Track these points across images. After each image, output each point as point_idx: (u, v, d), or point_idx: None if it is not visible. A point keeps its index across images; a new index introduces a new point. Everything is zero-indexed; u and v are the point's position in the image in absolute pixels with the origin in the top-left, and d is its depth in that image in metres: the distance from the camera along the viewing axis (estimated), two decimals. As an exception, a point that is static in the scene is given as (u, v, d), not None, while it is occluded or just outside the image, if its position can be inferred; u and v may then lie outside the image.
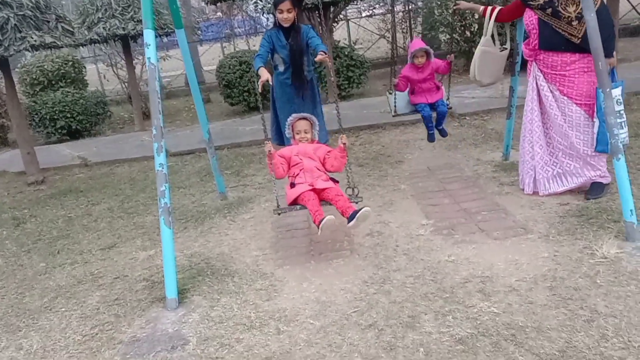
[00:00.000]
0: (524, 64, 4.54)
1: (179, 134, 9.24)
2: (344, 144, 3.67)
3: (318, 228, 3.44)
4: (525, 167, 4.33)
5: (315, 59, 4.10)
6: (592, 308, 2.73)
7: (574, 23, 3.86)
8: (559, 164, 4.17)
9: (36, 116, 10.29)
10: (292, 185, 3.69)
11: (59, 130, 10.36)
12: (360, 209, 3.42)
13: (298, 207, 3.64)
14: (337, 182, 3.80)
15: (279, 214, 3.77)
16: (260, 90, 3.95)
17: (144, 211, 5.40)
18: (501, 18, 4.52)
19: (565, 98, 4.01)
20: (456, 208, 4.30)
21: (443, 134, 5.23)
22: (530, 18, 4.07)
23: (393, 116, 5.16)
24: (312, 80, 4.78)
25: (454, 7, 5.06)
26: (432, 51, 4.89)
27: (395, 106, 5.09)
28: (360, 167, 5.74)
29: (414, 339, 2.69)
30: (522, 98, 7.24)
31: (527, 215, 3.94)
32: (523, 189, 4.36)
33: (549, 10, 3.93)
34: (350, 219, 3.45)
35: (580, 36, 3.85)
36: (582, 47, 3.83)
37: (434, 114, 5.04)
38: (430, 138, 5.21)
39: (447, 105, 5.03)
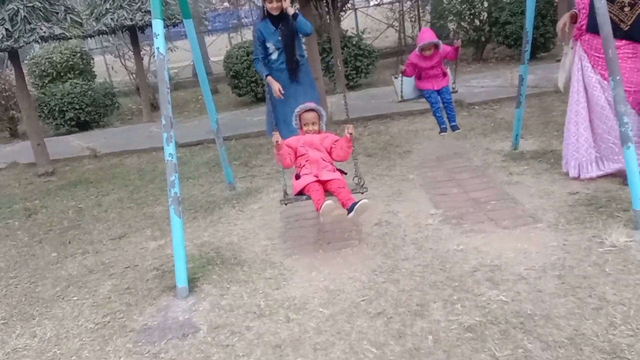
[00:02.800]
0: (533, 52, 4.49)
1: (187, 125, 9.26)
2: (351, 134, 3.65)
3: (318, 214, 3.52)
4: (569, 149, 4.25)
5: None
6: (601, 296, 2.73)
7: (626, 9, 3.80)
8: (596, 147, 4.12)
9: (45, 108, 10.37)
10: (298, 176, 3.72)
11: (68, 122, 10.44)
12: (359, 201, 3.42)
13: (304, 197, 3.66)
14: (345, 173, 3.82)
15: (286, 204, 3.81)
16: (280, 94, 4.75)
17: (153, 201, 5.44)
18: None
19: (606, 82, 3.94)
20: (465, 197, 4.29)
21: (455, 129, 5.12)
22: None
23: (399, 101, 5.30)
24: (305, 62, 5.03)
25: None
26: (440, 43, 4.89)
27: (402, 91, 5.18)
28: (369, 157, 5.74)
29: (422, 327, 2.71)
30: (531, 87, 7.21)
31: (537, 204, 3.93)
32: (567, 173, 4.29)
33: None
34: (349, 210, 3.46)
35: (630, 23, 3.79)
36: (630, 35, 3.78)
37: (442, 104, 5.10)
38: (442, 130, 5.17)
39: (454, 90, 5.13)
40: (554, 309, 2.69)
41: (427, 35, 4.91)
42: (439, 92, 5.04)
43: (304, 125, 3.94)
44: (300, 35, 4.88)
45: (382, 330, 2.73)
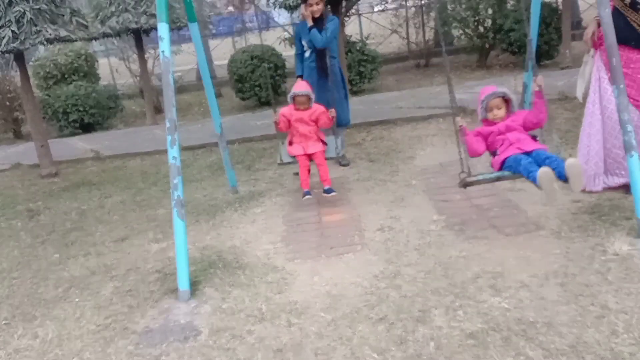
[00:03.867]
0: (537, 59, 4.46)
1: (191, 128, 9.29)
2: (333, 117, 4.69)
3: (302, 193, 4.56)
4: (580, 160, 4.13)
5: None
6: (603, 304, 2.73)
7: None
8: (605, 161, 4.08)
9: (49, 109, 10.39)
10: (291, 143, 4.75)
11: (72, 124, 10.46)
12: (332, 191, 4.62)
13: (295, 161, 4.66)
14: (325, 143, 4.78)
15: (282, 164, 4.82)
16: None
17: (156, 204, 5.45)
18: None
19: None
20: (468, 204, 4.29)
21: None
22: None
23: (465, 183, 3.57)
24: (335, 65, 5.43)
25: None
26: (510, 95, 3.66)
27: (469, 166, 3.56)
28: (372, 163, 5.75)
29: (424, 333, 2.71)
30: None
31: (539, 211, 3.93)
32: None
33: (628, 1, 3.75)
34: (324, 191, 4.63)
35: None
36: None
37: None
38: (535, 178, 3.20)
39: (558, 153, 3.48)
40: (556, 316, 2.69)
41: (489, 88, 3.71)
42: (531, 155, 3.39)
43: (297, 104, 4.72)
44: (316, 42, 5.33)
45: (384, 336, 2.73)
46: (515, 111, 3.66)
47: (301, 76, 5.47)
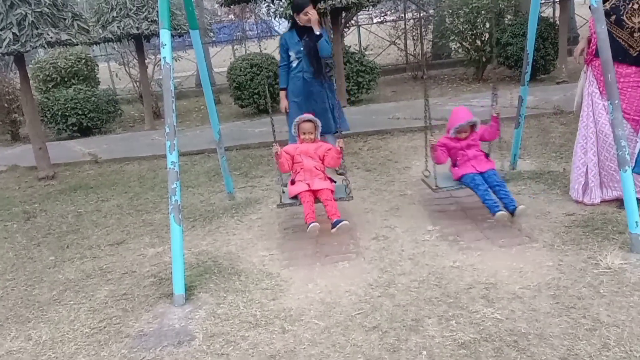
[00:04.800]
0: (534, 74, 4.54)
1: (189, 134, 9.32)
2: (341, 147, 4.14)
3: (307, 226, 3.86)
4: (575, 173, 4.27)
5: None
6: (595, 317, 2.76)
7: (636, 35, 3.84)
8: (600, 174, 4.16)
9: (48, 112, 10.41)
10: (293, 182, 4.18)
11: (70, 127, 10.48)
12: (342, 220, 3.84)
13: (297, 202, 4.08)
14: (334, 182, 4.27)
15: (282, 207, 4.22)
16: (285, 112, 5.17)
17: (152, 209, 5.46)
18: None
19: None
20: (462, 215, 4.33)
21: (514, 212, 3.81)
22: (593, 22, 4.02)
23: (434, 190, 4.20)
24: (325, 74, 5.30)
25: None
26: (478, 122, 4.21)
27: (435, 179, 4.17)
28: (368, 172, 5.79)
29: (417, 342, 2.72)
30: (530, 108, 7.27)
31: (533, 224, 3.97)
32: (572, 196, 4.30)
33: (613, 18, 3.88)
34: (333, 225, 3.86)
35: (639, 49, 3.83)
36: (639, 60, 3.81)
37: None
38: (494, 210, 3.83)
39: (503, 176, 4.15)
40: (548, 328, 2.72)
41: (463, 115, 4.16)
42: (483, 175, 4.05)
43: (302, 133, 4.32)
44: (320, 56, 5.21)
45: (377, 344, 2.75)
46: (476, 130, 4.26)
47: (285, 88, 5.33)
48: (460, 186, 4.19)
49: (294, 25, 5.29)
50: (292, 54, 5.27)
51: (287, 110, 5.33)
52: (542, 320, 2.79)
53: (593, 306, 2.86)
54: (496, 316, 2.87)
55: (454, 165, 4.29)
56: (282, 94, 5.35)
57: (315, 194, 4.06)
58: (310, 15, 5.05)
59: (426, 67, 5.23)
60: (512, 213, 3.80)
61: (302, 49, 5.22)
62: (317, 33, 5.08)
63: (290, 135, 5.30)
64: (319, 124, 4.38)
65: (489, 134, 4.24)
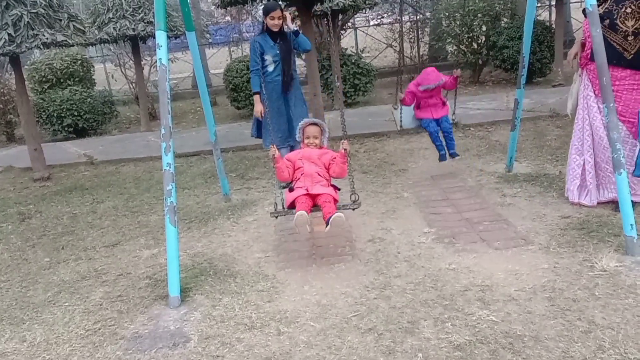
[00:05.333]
0: (530, 77, 4.57)
1: (185, 135, 9.30)
2: (345, 149, 3.76)
3: (294, 216, 3.51)
4: (571, 174, 4.29)
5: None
6: (590, 319, 2.76)
7: (630, 38, 3.86)
8: (597, 175, 4.18)
9: (44, 113, 10.39)
10: (291, 189, 3.77)
11: (66, 128, 10.45)
12: (334, 214, 3.47)
13: (294, 211, 3.58)
14: (339, 189, 3.88)
15: (276, 217, 3.85)
16: (260, 116, 5.04)
17: (148, 210, 5.45)
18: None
19: None
20: (458, 217, 4.33)
21: (454, 156, 5.25)
22: (587, 26, 4.04)
23: (399, 131, 5.46)
24: (296, 77, 5.42)
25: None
26: (443, 81, 5.06)
27: (401, 121, 5.27)
28: (364, 174, 5.79)
29: (412, 344, 2.72)
30: (526, 111, 7.30)
31: (529, 226, 3.98)
32: (567, 197, 4.32)
33: (607, 22, 3.91)
34: (327, 223, 3.51)
35: (633, 52, 3.85)
36: (634, 63, 3.84)
37: (440, 132, 5.22)
38: (442, 158, 5.30)
39: (453, 121, 5.26)
40: (543, 330, 2.72)
41: (433, 77, 5.07)
42: (437, 121, 5.14)
43: (306, 138, 4.04)
44: (300, 51, 5.35)
45: (373, 346, 2.75)
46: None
47: (259, 93, 5.05)
48: (420, 128, 5.27)
49: (266, 29, 5.16)
50: (268, 57, 5.14)
51: (262, 115, 5.08)
52: (537, 323, 2.79)
53: (588, 308, 2.86)
54: (492, 318, 2.87)
55: (417, 107, 5.22)
56: (257, 97, 5.10)
57: (313, 199, 3.64)
58: (275, 20, 5.05)
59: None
60: (452, 155, 5.16)
61: (278, 52, 5.14)
62: (294, 29, 5.19)
63: (253, 130, 5.51)
64: (326, 128, 4.15)
65: (450, 86, 5.11)
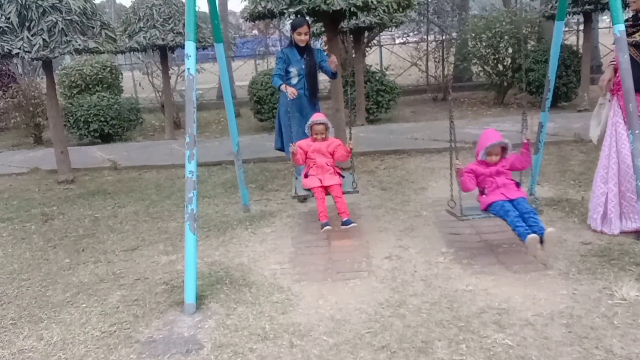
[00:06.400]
0: (555, 101, 4.52)
1: (207, 145, 9.41)
2: (351, 148, 4.65)
3: (321, 225, 4.37)
4: (594, 202, 4.23)
5: (328, 60, 5.37)
6: (608, 348, 2.71)
7: None
8: (621, 204, 4.11)
9: (71, 118, 10.61)
10: (306, 175, 4.66)
11: (92, 133, 10.66)
12: (351, 222, 4.38)
13: (310, 194, 4.60)
14: (343, 176, 4.73)
15: (296, 198, 4.76)
16: (292, 96, 5.08)
17: (168, 217, 5.51)
18: None
19: None
20: (477, 239, 4.30)
21: (543, 234, 3.59)
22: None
23: (460, 219, 3.98)
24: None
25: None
26: (509, 144, 4.01)
27: (461, 206, 3.92)
28: (384, 191, 5.78)
29: (425, 364, 2.70)
30: (550, 135, 7.22)
31: (549, 251, 3.92)
32: (590, 225, 4.27)
33: (633, 41, 3.87)
34: (343, 223, 4.39)
35: None
36: None
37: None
38: (524, 237, 3.60)
39: (535, 201, 3.97)
40: (560, 357, 2.68)
41: (493, 135, 3.97)
42: (513, 202, 3.84)
43: (314, 134, 4.73)
44: (326, 73, 5.58)
45: (385, 363, 2.73)
46: (507, 157, 4.06)
47: (282, 83, 5.24)
48: (488, 215, 3.92)
49: (294, 43, 5.42)
50: (292, 70, 5.41)
51: (295, 94, 5.17)
52: (553, 349, 2.75)
53: (606, 337, 2.81)
54: (507, 342, 2.83)
55: (482, 193, 4.03)
56: (284, 86, 5.21)
57: (326, 189, 4.55)
58: (304, 36, 5.28)
59: (447, 90, 5.30)
60: (541, 237, 3.54)
61: (303, 66, 5.38)
62: (334, 71, 5.45)
63: (276, 141, 5.77)
64: (330, 125, 4.74)
65: (520, 162, 4.00)
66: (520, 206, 3.79)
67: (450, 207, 4.04)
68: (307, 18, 6.17)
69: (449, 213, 4.12)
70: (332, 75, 5.71)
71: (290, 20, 5.87)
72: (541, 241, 3.55)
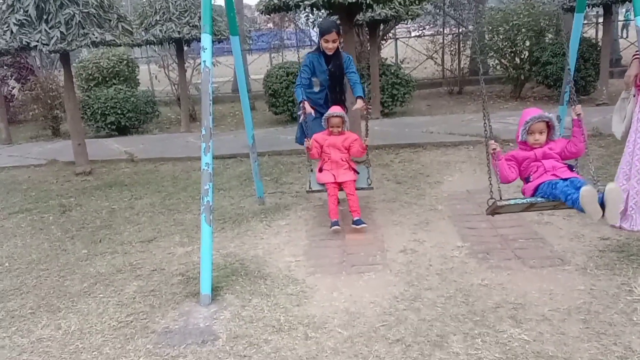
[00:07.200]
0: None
1: (223, 138, 9.44)
2: (366, 145, 4.62)
3: (330, 223, 4.39)
4: None
5: (353, 108, 5.00)
6: (626, 345, 2.68)
7: None
8: None
9: (88, 110, 10.71)
10: (321, 169, 4.64)
11: (109, 125, 10.76)
12: (362, 222, 4.38)
13: (324, 189, 4.54)
14: (358, 172, 4.67)
15: (310, 192, 4.69)
16: (305, 116, 4.70)
17: (184, 209, 5.55)
18: None
19: None
20: (493, 233, 4.27)
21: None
22: None
23: (499, 206, 3.34)
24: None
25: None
26: (554, 120, 3.47)
27: (499, 190, 3.41)
28: (398, 184, 5.76)
29: (440, 358, 2.69)
30: (568, 129, 7.12)
31: (566, 246, 3.89)
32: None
33: None
34: (354, 222, 4.41)
35: None
36: None
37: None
38: (577, 203, 3.12)
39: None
40: (576, 353, 2.65)
41: (535, 112, 3.46)
42: (565, 180, 3.29)
43: (331, 127, 4.66)
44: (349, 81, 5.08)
45: (400, 357, 2.73)
46: (555, 139, 3.51)
47: (304, 100, 4.73)
48: (536, 200, 3.30)
49: (321, 49, 4.91)
50: (315, 80, 5.01)
51: (311, 113, 4.78)
52: (570, 345, 2.72)
53: (625, 333, 2.78)
54: (523, 337, 2.81)
55: (527, 182, 3.47)
56: (304, 104, 4.71)
57: (339, 185, 4.53)
58: (332, 44, 4.78)
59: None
60: (601, 205, 3.04)
61: (327, 77, 4.99)
62: (361, 107, 4.83)
63: (298, 136, 5.30)
64: (347, 119, 4.68)
65: (574, 145, 3.39)
66: (575, 181, 3.22)
67: (488, 205, 3.38)
68: (323, 10, 6.04)
69: (489, 208, 3.40)
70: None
71: (306, 14, 5.79)
72: (602, 208, 3.02)
